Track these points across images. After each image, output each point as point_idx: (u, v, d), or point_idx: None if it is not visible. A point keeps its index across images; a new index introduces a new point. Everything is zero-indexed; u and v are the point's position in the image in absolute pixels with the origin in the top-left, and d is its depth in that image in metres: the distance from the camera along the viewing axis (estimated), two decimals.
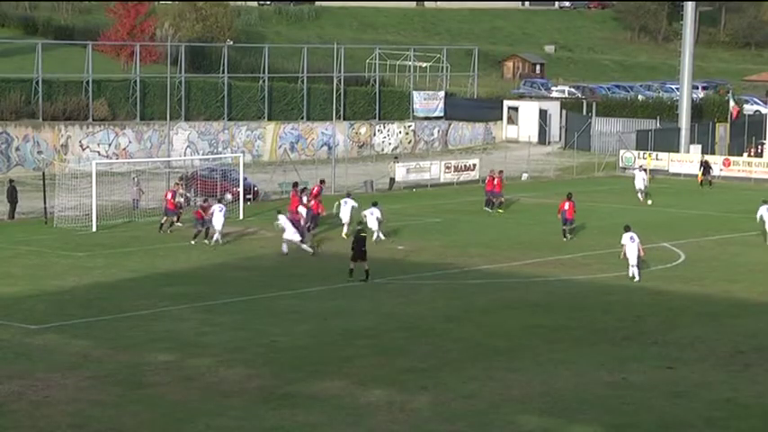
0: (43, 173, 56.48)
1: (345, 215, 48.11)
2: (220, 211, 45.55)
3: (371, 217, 46.51)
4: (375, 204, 47.53)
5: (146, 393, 25.98)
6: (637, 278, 39.60)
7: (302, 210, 46.75)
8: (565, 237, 48.03)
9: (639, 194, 61.70)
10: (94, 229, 49.08)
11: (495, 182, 56.60)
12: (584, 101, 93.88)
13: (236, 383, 26.85)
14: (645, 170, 65.99)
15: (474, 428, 23.87)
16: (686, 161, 74.30)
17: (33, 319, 32.88)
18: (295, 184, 52.13)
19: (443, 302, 36.26)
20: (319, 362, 28.89)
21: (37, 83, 68.75)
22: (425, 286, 38.88)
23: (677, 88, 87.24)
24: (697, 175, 70.27)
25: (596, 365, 28.89)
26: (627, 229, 40.43)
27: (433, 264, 42.74)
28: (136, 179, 56.31)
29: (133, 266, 41.34)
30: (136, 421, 23.99)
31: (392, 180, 66.11)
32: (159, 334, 31.53)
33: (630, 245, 39.53)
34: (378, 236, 46.63)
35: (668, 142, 77.76)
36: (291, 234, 43.26)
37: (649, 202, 60.44)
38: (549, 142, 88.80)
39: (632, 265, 39.61)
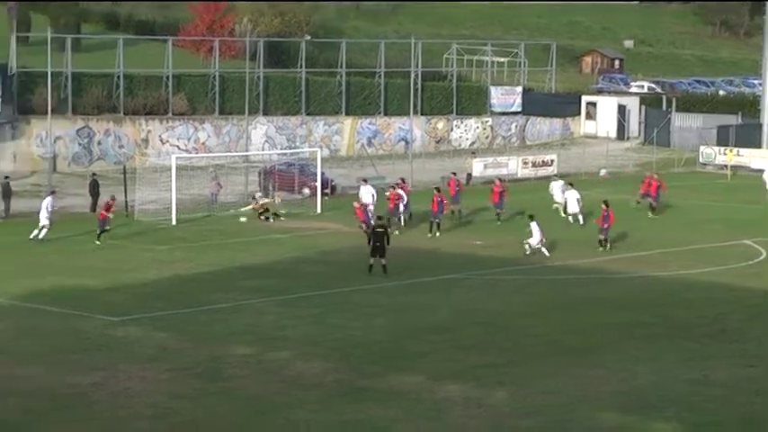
0: (124, 167, 57.13)
1: (572, 206, 50.75)
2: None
3: (572, 199, 50.46)
4: (572, 185, 51.53)
5: (224, 386, 26.12)
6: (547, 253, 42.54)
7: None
8: (602, 246, 44.50)
9: None
10: (174, 222, 49.53)
11: (652, 184, 54.65)
12: (664, 96, 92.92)
13: (313, 377, 26.91)
14: None
15: (553, 424, 23.71)
16: None
17: (114, 311, 33.24)
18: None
19: (520, 298, 36.09)
20: (396, 356, 28.88)
21: (118, 78, 69.50)
22: (502, 282, 38.73)
23: (759, 83, 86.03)
24: None
25: (676, 362, 28.57)
26: (531, 218, 43.16)
27: (511, 259, 42.56)
28: (214, 173, 56.74)
29: (212, 260, 41.63)
30: (214, 414, 24.13)
31: (469, 175, 65.91)
32: (238, 327, 31.71)
33: (536, 230, 42.52)
34: (580, 219, 50.20)
35: (750, 138, 76.67)
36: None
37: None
38: (628, 138, 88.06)
39: (540, 245, 42.63)
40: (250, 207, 51.41)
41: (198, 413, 24.16)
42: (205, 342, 29.89)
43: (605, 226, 44.45)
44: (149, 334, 30.71)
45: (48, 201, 46.12)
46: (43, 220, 45.35)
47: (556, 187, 53.62)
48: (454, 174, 54.56)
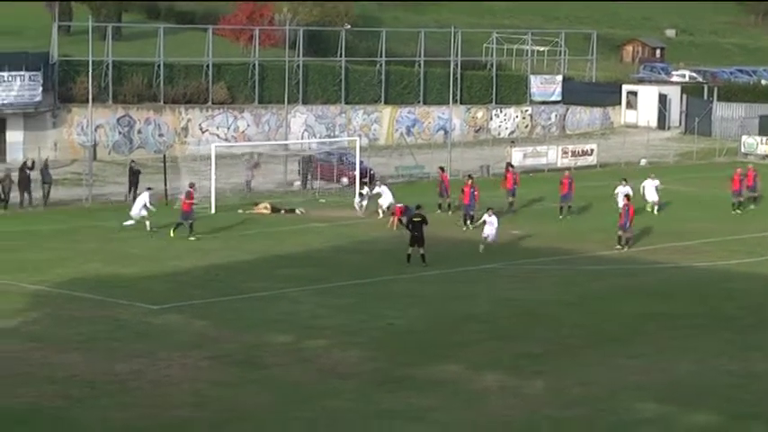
0: (164, 155, 57.32)
1: (650, 195, 50.90)
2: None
3: (651, 187, 51.07)
4: (625, 181, 49.36)
5: (263, 374, 26.21)
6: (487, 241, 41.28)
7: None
8: (620, 244, 42.68)
9: None
10: (213, 211, 49.67)
11: (747, 176, 52.99)
12: (706, 85, 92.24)
13: (351, 366, 26.94)
14: None
15: (591, 415, 23.62)
16: None
17: (153, 299, 33.39)
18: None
19: (560, 288, 35.96)
20: (434, 346, 28.85)
21: (159, 66, 69.72)
22: (541, 272, 38.61)
23: None
24: None
25: (717, 353, 28.39)
26: (490, 211, 41.99)
27: (550, 249, 42.42)
28: (251, 158, 56.31)
29: (250, 248, 41.73)
30: (254, 402, 24.20)
31: (509, 164, 65.64)
32: (276, 315, 31.80)
33: (491, 224, 41.47)
34: (655, 209, 50.57)
35: None
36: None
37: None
38: (669, 127, 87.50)
39: (486, 238, 41.31)
40: (254, 210, 50.65)
41: (238, 401, 24.24)
42: (243, 330, 29.98)
43: (624, 222, 42.52)
44: (188, 322, 30.84)
45: (145, 196, 45.38)
46: (135, 212, 44.78)
47: (648, 186, 51.64)
48: (512, 166, 53.81)
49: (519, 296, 34.73)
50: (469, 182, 46.99)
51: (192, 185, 45.81)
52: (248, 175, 56.00)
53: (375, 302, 33.47)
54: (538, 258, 40.70)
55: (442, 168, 52.93)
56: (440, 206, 49.92)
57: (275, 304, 33.16)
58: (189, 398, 24.32)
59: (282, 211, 50.15)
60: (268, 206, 50.26)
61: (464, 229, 45.90)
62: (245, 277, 36.85)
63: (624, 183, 48.79)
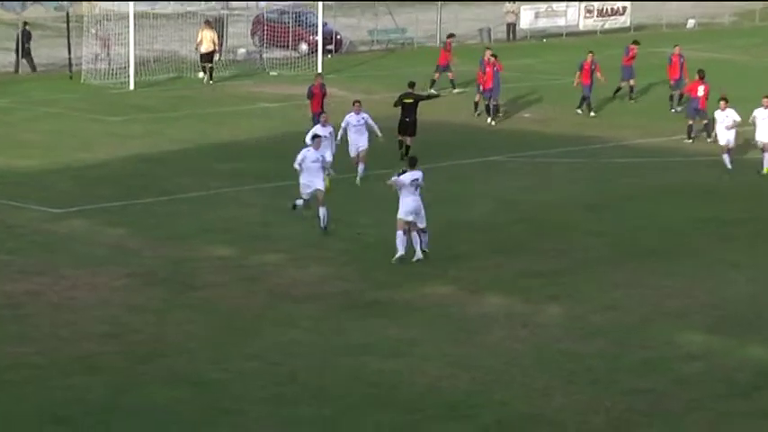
0: (67, 13, 56.90)
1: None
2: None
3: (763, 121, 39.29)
4: (725, 102, 40.86)
5: (196, 297, 26.34)
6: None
7: None
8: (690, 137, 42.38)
9: None
10: (132, 86, 49.57)
11: None
12: None
13: (311, 287, 27.09)
14: None
15: (618, 349, 23.84)
16: None
17: (56, 200, 33.46)
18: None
19: (581, 187, 36.17)
20: (418, 260, 28.98)
21: None
22: (558, 165, 38.79)
23: None
24: None
25: None
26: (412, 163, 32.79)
27: (570, 137, 42.59)
28: (97, 31, 54.40)
29: (181, 135, 41.76)
30: (184, 331, 24.31)
31: (510, 26, 65.54)
32: (213, 222, 31.91)
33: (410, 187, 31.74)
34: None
35: None
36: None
37: None
38: None
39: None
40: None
41: (164, 331, 24.35)
42: (171, 241, 30.10)
43: (698, 106, 42.03)
44: (100, 230, 30.93)
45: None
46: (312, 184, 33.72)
47: (762, 118, 39.52)
48: (636, 43, 50.53)
49: (528, 197, 34.92)
50: (492, 59, 45.69)
51: (320, 83, 41.03)
52: (99, 45, 53.60)
53: (343, 205, 33.51)
54: (556, 149, 40.84)
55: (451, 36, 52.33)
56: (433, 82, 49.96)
57: (211, 208, 33.26)
58: (101, 326, 24.44)
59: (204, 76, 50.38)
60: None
61: (490, 122, 45.50)
62: (172, 173, 36.90)
63: (724, 104, 39.65)
